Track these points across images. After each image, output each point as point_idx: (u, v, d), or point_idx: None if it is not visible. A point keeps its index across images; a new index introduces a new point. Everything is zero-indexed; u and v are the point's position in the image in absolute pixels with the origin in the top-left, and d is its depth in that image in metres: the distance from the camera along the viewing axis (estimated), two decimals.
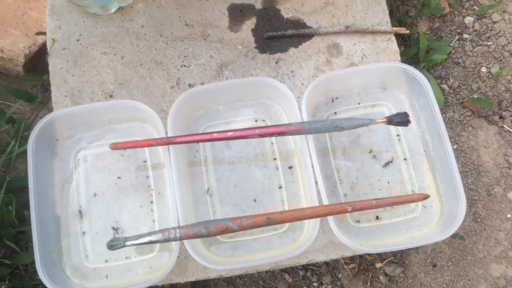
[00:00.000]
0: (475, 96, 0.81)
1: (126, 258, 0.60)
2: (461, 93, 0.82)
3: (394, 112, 0.65)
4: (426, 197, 0.55)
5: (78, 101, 0.65)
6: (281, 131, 0.57)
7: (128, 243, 0.53)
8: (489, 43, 0.83)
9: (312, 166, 0.58)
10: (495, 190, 0.76)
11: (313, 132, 0.57)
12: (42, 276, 0.55)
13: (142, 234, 0.54)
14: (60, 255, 0.60)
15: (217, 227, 0.53)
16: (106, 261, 0.60)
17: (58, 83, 0.66)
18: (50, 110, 0.66)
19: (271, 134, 0.57)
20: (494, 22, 0.84)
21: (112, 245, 0.54)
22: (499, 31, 0.83)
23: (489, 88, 0.81)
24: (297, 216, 0.54)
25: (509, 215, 0.74)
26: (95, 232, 0.61)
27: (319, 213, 0.54)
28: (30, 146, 0.58)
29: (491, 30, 0.84)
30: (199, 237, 0.53)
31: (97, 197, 0.62)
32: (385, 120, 0.57)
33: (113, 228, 0.62)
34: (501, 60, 0.82)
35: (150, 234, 0.53)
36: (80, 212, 0.62)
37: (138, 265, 0.60)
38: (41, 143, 0.60)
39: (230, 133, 0.57)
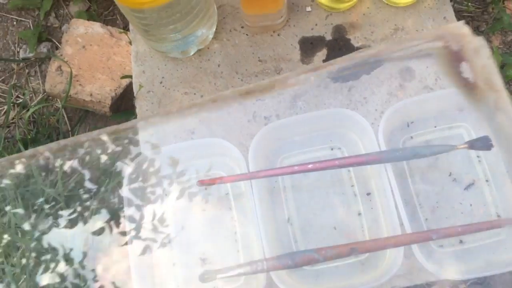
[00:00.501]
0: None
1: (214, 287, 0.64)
2: None
3: (472, 133, 0.65)
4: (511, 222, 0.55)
5: (163, 140, 0.70)
6: (360, 161, 0.58)
7: (219, 276, 0.57)
8: None
9: (392, 191, 0.58)
10: None
11: (393, 160, 0.58)
12: None
13: (231, 266, 0.57)
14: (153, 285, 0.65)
15: (303, 259, 0.55)
16: None
17: (144, 124, 0.71)
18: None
19: (350, 165, 0.59)
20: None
21: (204, 278, 0.57)
22: None
23: (508, 126, 0.77)
24: (380, 246, 0.55)
25: None
26: (184, 263, 0.66)
27: (403, 242, 0.55)
28: (126, 181, 0.64)
29: None
30: (286, 269, 0.56)
31: (184, 230, 0.67)
32: (466, 145, 0.56)
33: (201, 259, 0.66)
34: None
35: (239, 266, 0.57)
36: (170, 243, 0.66)
37: None
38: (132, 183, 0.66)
39: (310, 166, 0.59)
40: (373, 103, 0.69)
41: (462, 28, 0.53)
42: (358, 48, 0.71)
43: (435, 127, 0.66)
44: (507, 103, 0.52)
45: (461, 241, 0.61)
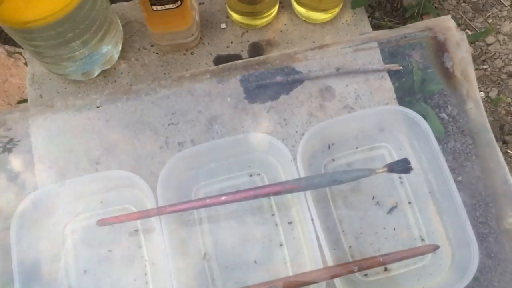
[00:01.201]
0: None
1: None
2: (460, 120, 0.79)
3: (394, 153, 0.63)
4: (436, 248, 0.52)
5: (63, 172, 0.63)
6: (277, 191, 0.54)
7: None
8: (485, 67, 0.81)
9: (312, 220, 0.55)
10: (509, 220, 0.72)
11: (311, 188, 0.54)
12: None
13: None
14: None
15: None
16: None
17: (41, 154, 0.63)
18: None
19: (267, 195, 0.54)
20: (489, 45, 0.82)
21: None
22: (494, 53, 0.80)
23: (489, 113, 0.78)
24: (302, 281, 0.51)
25: None
26: None
27: (324, 276, 0.51)
28: (14, 226, 0.56)
29: (486, 53, 0.81)
30: None
31: (87, 274, 0.59)
32: (385, 169, 0.54)
33: None
34: (499, 83, 0.79)
35: None
36: None
37: None
38: (26, 221, 0.57)
39: (223, 198, 0.54)
40: (293, 124, 0.65)
41: (449, 22, 0.61)
42: (276, 67, 0.68)
43: (357, 148, 0.64)
44: (477, 93, 0.61)
45: (386, 269, 0.59)
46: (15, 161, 0.63)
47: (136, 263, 0.59)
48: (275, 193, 0.54)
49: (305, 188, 0.54)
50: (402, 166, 0.54)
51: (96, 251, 0.60)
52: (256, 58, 0.66)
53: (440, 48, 0.66)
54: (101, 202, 0.61)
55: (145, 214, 0.54)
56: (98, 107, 0.65)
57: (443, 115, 0.80)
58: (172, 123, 0.66)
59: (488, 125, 0.66)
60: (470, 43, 0.81)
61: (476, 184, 0.75)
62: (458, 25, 0.84)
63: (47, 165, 0.63)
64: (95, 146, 0.64)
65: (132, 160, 0.64)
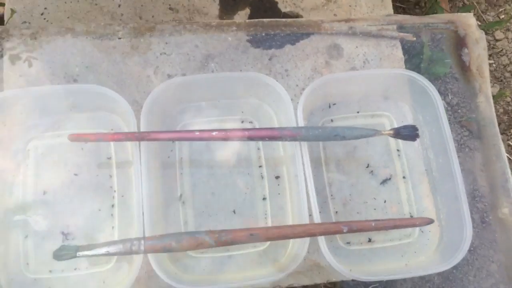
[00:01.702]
0: (474, 116, 0.75)
1: (75, 269, 0.51)
2: (459, 111, 0.76)
3: (395, 124, 0.59)
4: (430, 221, 0.49)
5: (35, 83, 0.56)
6: (274, 136, 0.49)
7: (80, 253, 0.44)
8: (490, 61, 0.78)
9: (305, 177, 0.50)
10: (490, 217, 0.70)
11: (310, 139, 0.50)
12: None
13: (98, 244, 0.45)
14: None
15: (190, 241, 0.44)
16: (50, 271, 0.51)
17: (13, 60, 0.56)
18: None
19: (261, 138, 0.50)
20: (497, 40, 0.80)
21: (60, 255, 0.45)
22: (501, 50, 0.79)
23: (489, 137, 0.76)
24: (286, 234, 0.46)
25: (502, 246, 0.69)
26: (40, 236, 0.52)
27: (311, 231, 0.46)
28: None
29: (493, 48, 0.79)
30: (167, 251, 0.45)
31: (47, 195, 0.53)
32: (391, 132, 0.50)
33: (63, 233, 0.52)
34: (501, 80, 0.77)
35: (108, 244, 0.45)
36: (24, 211, 0.52)
37: (89, 279, 0.51)
38: None
39: (215, 133, 0.49)
40: (294, 78, 0.60)
41: (470, 19, 0.65)
42: (285, 14, 0.63)
43: (358, 112, 0.60)
44: (488, 89, 0.64)
45: (370, 240, 0.55)
46: None
47: (104, 193, 0.53)
48: (271, 138, 0.49)
49: (303, 138, 0.50)
50: (409, 132, 0.50)
51: (60, 172, 0.53)
52: (283, 20, 0.61)
53: (459, 42, 0.67)
54: (74, 121, 0.55)
55: (125, 137, 0.48)
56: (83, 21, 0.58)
57: (443, 103, 0.78)
58: (165, 53, 0.60)
59: (495, 120, 0.65)
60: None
61: (466, 176, 0.73)
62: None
63: (17, 73, 0.56)
64: (75, 62, 0.57)
65: (114, 84, 0.57)
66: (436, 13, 0.72)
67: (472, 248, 0.69)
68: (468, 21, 0.66)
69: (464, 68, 0.67)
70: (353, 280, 0.66)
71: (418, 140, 0.58)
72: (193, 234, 0.45)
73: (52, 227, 0.52)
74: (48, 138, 0.54)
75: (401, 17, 0.68)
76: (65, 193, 0.53)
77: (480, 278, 0.68)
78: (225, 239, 0.45)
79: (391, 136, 0.51)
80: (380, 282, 0.67)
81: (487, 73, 0.65)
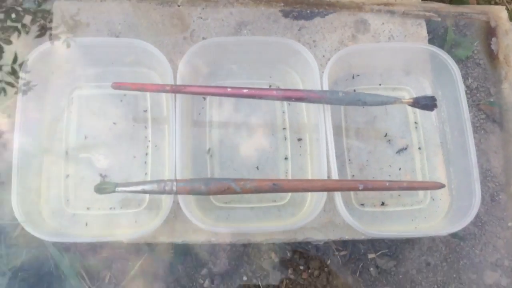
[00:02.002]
0: (492, 100, 0.78)
1: (111, 208, 0.56)
2: (478, 95, 0.79)
3: None
4: (441, 186, 0.52)
5: (81, 36, 0.60)
6: (300, 96, 0.53)
7: (118, 188, 0.49)
8: None
9: (327, 141, 0.54)
10: (500, 196, 0.73)
11: (334, 102, 0.53)
12: (18, 213, 0.50)
13: (135, 182, 0.49)
14: (38, 195, 0.55)
15: (218, 186, 0.48)
16: (88, 208, 0.56)
17: (60, 12, 0.61)
18: None
19: (288, 98, 0.53)
20: None
21: (101, 189, 0.49)
22: None
23: (508, 94, 0.78)
24: (306, 186, 0.50)
25: (510, 224, 0.72)
26: (80, 176, 0.57)
27: (329, 186, 0.50)
28: (22, 81, 0.53)
29: None
30: (197, 194, 0.49)
31: (87, 140, 0.57)
32: (411, 100, 0.53)
33: (101, 175, 0.57)
34: None
35: (144, 183, 0.49)
36: (66, 153, 0.57)
37: (122, 217, 0.56)
38: (35, 73, 0.55)
39: (245, 91, 0.52)
40: (322, 48, 0.64)
41: (502, 12, 0.71)
42: (310, 3, 0.66)
43: (380, 85, 0.63)
44: None
45: (383, 203, 0.59)
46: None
47: (139, 142, 0.58)
48: (297, 99, 0.53)
49: (327, 101, 0.53)
50: (428, 102, 0.53)
51: (100, 121, 0.58)
52: None
53: (490, 32, 0.71)
54: (115, 74, 0.59)
55: (163, 88, 0.52)
56: None
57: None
58: (201, 18, 0.63)
59: None
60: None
61: (480, 156, 0.76)
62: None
63: (65, 28, 0.60)
64: (118, 20, 0.62)
65: (153, 43, 0.61)
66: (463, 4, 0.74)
67: (480, 224, 0.72)
68: (500, 13, 0.71)
69: (492, 56, 0.71)
70: (362, 244, 0.70)
71: (435, 113, 0.62)
72: (220, 180, 0.49)
73: (91, 169, 0.57)
74: (91, 88, 0.59)
75: (436, 5, 0.72)
76: (103, 140, 0.58)
77: (486, 252, 0.72)
78: (250, 187, 0.49)
79: (410, 105, 0.54)
80: (389, 248, 0.71)
81: None
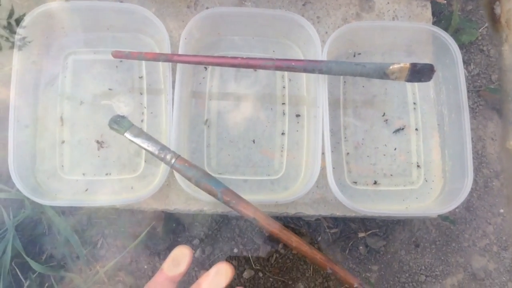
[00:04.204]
0: (492, 87, 0.78)
1: (107, 174, 0.56)
2: (479, 81, 0.79)
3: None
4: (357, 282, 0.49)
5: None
6: (301, 65, 0.52)
7: (127, 134, 0.50)
8: None
9: (323, 119, 0.54)
10: (493, 183, 0.74)
11: (324, 71, 0.52)
12: (16, 179, 0.51)
13: (145, 134, 0.50)
14: (33, 161, 0.56)
15: (206, 186, 0.48)
16: (83, 174, 0.56)
17: None
18: None
19: (288, 67, 0.52)
20: None
21: (112, 123, 0.50)
22: None
23: (509, 82, 0.78)
24: (279, 235, 0.48)
25: (502, 210, 0.73)
26: (76, 140, 0.57)
27: (303, 249, 0.48)
28: (18, 37, 0.53)
29: None
30: (186, 178, 0.49)
31: (83, 105, 0.57)
32: (408, 65, 0.51)
33: (97, 142, 0.57)
34: None
35: (152, 141, 0.50)
36: (61, 118, 0.57)
37: (118, 183, 0.56)
38: (30, 35, 0.55)
39: (239, 59, 0.52)
40: (325, 25, 0.63)
41: None
42: None
43: None
44: None
45: (375, 182, 0.59)
46: None
47: (135, 109, 0.58)
48: (296, 68, 0.52)
49: (315, 70, 0.52)
50: (426, 69, 0.51)
51: (96, 86, 0.58)
52: None
53: None
54: (113, 38, 0.59)
55: (163, 57, 0.52)
56: None
57: (464, 71, 0.80)
58: None
59: None
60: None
61: (476, 142, 0.76)
62: None
63: None
64: None
65: (156, 10, 0.61)
66: None
67: (472, 208, 0.73)
68: None
69: (494, 19, 0.75)
70: (353, 223, 0.71)
71: (434, 95, 0.62)
72: (212, 183, 0.48)
73: (88, 134, 0.57)
74: (87, 54, 0.59)
75: None
76: (100, 105, 0.58)
77: (475, 237, 0.73)
78: (232, 205, 0.48)
79: (408, 68, 0.50)
80: (380, 228, 0.72)
81: None
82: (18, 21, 0.54)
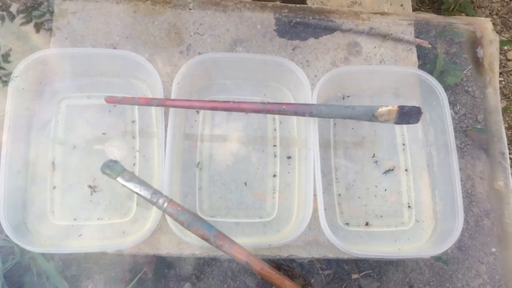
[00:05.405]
0: (479, 127, 0.79)
1: (98, 219, 0.56)
2: (465, 121, 0.81)
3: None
4: None
5: (79, 46, 0.61)
6: (291, 109, 0.53)
7: (119, 179, 0.50)
8: (500, 79, 0.82)
9: (314, 161, 0.54)
10: (484, 222, 0.74)
11: (323, 115, 0.53)
12: (6, 226, 0.50)
13: (137, 178, 0.50)
14: (24, 207, 0.56)
15: (198, 231, 0.49)
16: (74, 219, 0.56)
17: (61, 24, 0.62)
18: None
19: (278, 111, 0.53)
20: (508, 60, 0.84)
21: (105, 168, 0.50)
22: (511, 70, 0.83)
23: (494, 123, 0.80)
24: (272, 279, 0.49)
25: (493, 249, 0.73)
26: (68, 185, 0.57)
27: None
28: (12, 83, 0.54)
29: (504, 67, 0.83)
30: (179, 224, 0.50)
31: (76, 150, 0.58)
32: (396, 108, 0.52)
33: (90, 187, 0.57)
34: (509, 98, 0.81)
35: (144, 185, 0.50)
36: (53, 163, 0.57)
37: (109, 228, 0.56)
38: (25, 81, 0.56)
39: (231, 103, 0.53)
40: (314, 69, 0.65)
41: (487, 23, 0.74)
42: (312, 9, 0.67)
43: None
44: (497, 83, 0.73)
45: (367, 223, 0.59)
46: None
47: (127, 152, 0.58)
48: (287, 112, 0.53)
49: (306, 113, 0.53)
50: (413, 111, 0.52)
51: (90, 131, 0.59)
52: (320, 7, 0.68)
53: (476, 41, 0.75)
54: (106, 83, 0.60)
55: (156, 102, 0.53)
56: None
57: (451, 111, 0.82)
58: (198, 33, 0.65)
59: (500, 108, 0.72)
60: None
61: (465, 181, 0.77)
62: None
63: (63, 36, 0.61)
64: (117, 32, 0.63)
65: (149, 55, 0.62)
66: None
67: (464, 248, 0.73)
68: (485, 24, 0.75)
69: (477, 63, 0.76)
70: (346, 264, 0.71)
71: (422, 136, 0.63)
72: (204, 227, 0.49)
73: (79, 179, 0.57)
74: (80, 99, 0.59)
75: (428, 15, 0.75)
76: (93, 150, 0.58)
77: (469, 277, 0.72)
78: (225, 249, 0.49)
79: (396, 111, 0.51)
80: (373, 269, 0.71)
81: (497, 69, 0.74)
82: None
